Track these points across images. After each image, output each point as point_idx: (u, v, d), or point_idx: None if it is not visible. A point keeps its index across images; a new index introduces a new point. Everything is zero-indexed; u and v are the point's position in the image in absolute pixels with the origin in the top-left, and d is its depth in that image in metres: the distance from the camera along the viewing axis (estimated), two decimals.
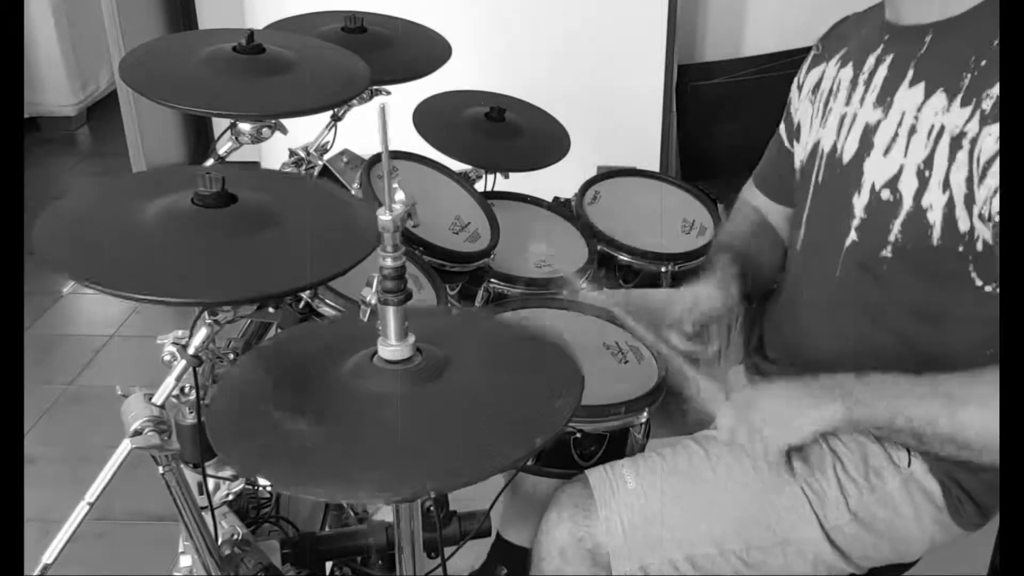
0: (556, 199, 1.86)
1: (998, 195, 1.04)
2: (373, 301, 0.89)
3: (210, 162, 1.44)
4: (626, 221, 1.79)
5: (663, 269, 1.69)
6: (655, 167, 3.25)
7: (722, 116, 3.48)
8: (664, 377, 1.35)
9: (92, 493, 1.10)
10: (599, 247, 1.73)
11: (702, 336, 1.36)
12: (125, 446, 1.05)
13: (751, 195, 1.54)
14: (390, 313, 0.89)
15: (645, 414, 1.31)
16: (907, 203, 1.15)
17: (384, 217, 0.86)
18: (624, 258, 1.72)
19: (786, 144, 1.44)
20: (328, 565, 1.41)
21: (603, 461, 1.27)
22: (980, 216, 1.08)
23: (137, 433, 0.99)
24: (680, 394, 1.46)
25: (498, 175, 1.82)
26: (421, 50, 1.68)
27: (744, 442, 1.17)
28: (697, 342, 1.35)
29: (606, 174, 1.94)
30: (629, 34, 3.21)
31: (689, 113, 3.51)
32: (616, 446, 1.31)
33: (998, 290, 1.11)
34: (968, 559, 1.44)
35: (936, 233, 1.13)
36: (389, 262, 0.87)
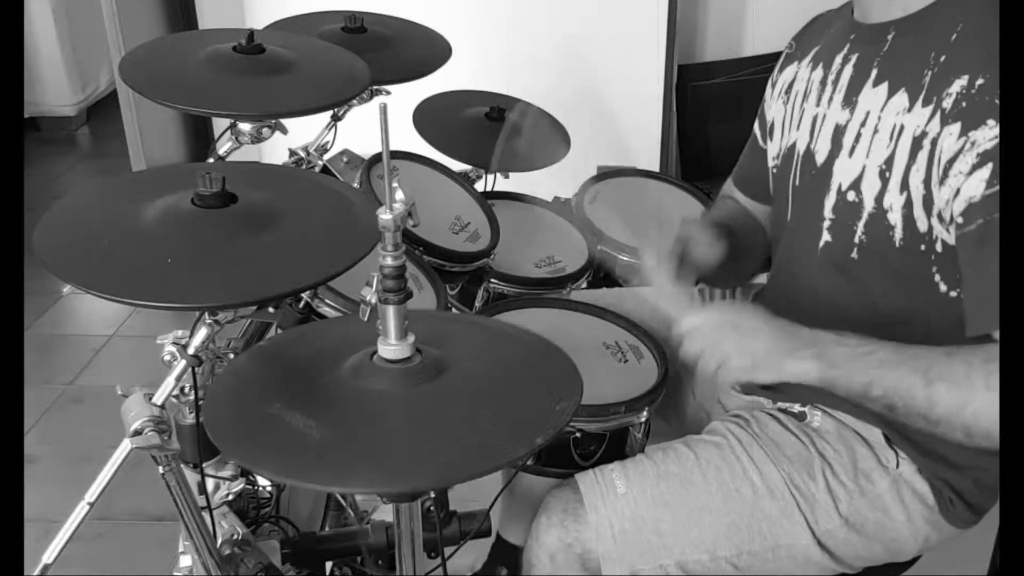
0: (556, 199, 1.86)
1: (959, 197, 1.03)
2: (373, 300, 0.89)
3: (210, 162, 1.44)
4: (626, 221, 1.79)
5: None
6: (655, 167, 3.26)
7: (722, 116, 3.48)
8: (664, 377, 1.35)
9: (92, 493, 1.10)
10: (599, 247, 1.73)
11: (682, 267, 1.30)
12: (125, 446, 1.05)
13: (732, 193, 1.54)
14: (390, 312, 0.89)
15: (645, 414, 1.31)
16: (869, 204, 1.15)
17: (384, 216, 0.86)
18: (624, 258, 1.72)
19: (760, 142, 1.44)
20: (328, 565, 1.41)
21: (603, 461, 1.27)
22: (940, 218, 1.08)
23: (137, 433, 0.99)
24: (680, 394, 1.47)
25: (498, 175, 1.82)
26: (421, 50, 1.68)
27: (695, 353, 1.12)
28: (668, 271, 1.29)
29: (606, 174, 1.94)
30: (629, 34, 3.21)
31: (689, 113, 3.51)
32: (616, 446, 1.31)
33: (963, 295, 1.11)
34: (968, 559, 1.44)
35: (898, 234, 1.12)
36: (389, 261, 0.88)
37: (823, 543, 1.21)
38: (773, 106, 1.39)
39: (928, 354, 1.04)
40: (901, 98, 1.12)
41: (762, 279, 1.52)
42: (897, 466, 1.21)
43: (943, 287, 1.13)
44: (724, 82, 3.52)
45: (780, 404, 1.29)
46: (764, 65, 3.37)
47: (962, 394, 0.99)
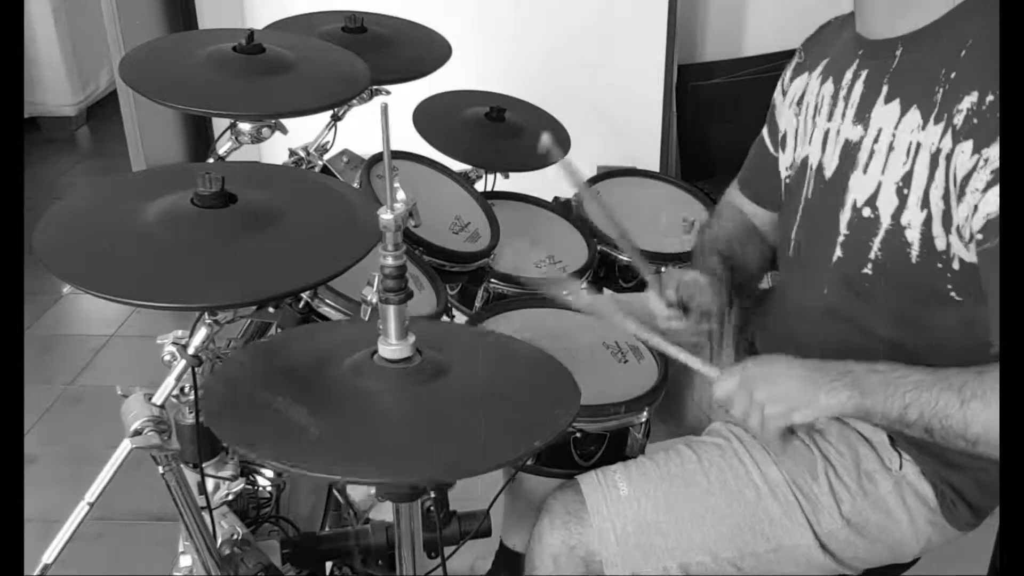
0: (556, 199, 1.86)
1: (977, 214, 1.03)
2: (374, 300, 0.89)
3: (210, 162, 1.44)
4: (626, 221, 1.79)
5: (662, 269, 1.69)
6: (655, 167, 3.25)
7: (722, 116, 3.48)
8: (664, 377, 1.35)
9: (92, 493, 1.10)
10: (599, 247, 1.73)
11: (687, 315, 1.30)
12: (125, 446, 1.05)
13: (735, 198, 1.53)
14: (391, 312, 0.89)
15: (645, 414, 1.31)
16: (885, 221, 1.14)
17: (385, 216, 0.86)
18: (624, 258, 1.72)
19: (770, 149, 1.43)
20: (328, 565, 1.41)
21: (603, 461, 1.28)
22: (959, 235, 1.07)
23: (137, 433, 0.99)
24: (679, 394, 1.47)
25: (498, 175, 1.82)
26: (421, 50, 1.68)
27: (740, 413, 1.13)
28: (681, 319, 1.30)
29: (606, 174, 1.94)
30: (629, 34, 3.21)
31: (689, 113, 3.51)
32: (616, 446, 1.31)
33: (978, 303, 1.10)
34: (968, 559, 1.44)
35: (915, 251, 1.12)
36: (390, 261, 0.88)
37: (825, 544, 1.21)
38: (785, 115, 1.38)
39: (960, 374, 1.03)
40: (914, 115, 1.12)
41: (763, 281, 1.52)
42: (900, 467, 1.21)
43: (958, 298, 1.12)
44: (724, 82, 3.51)
45: None
46: (764, 65, 3.37)
47: (996, 410, 0.98)
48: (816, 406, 1.08)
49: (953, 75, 1.08)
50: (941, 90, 1.09)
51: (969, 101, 1.05)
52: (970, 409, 1.00)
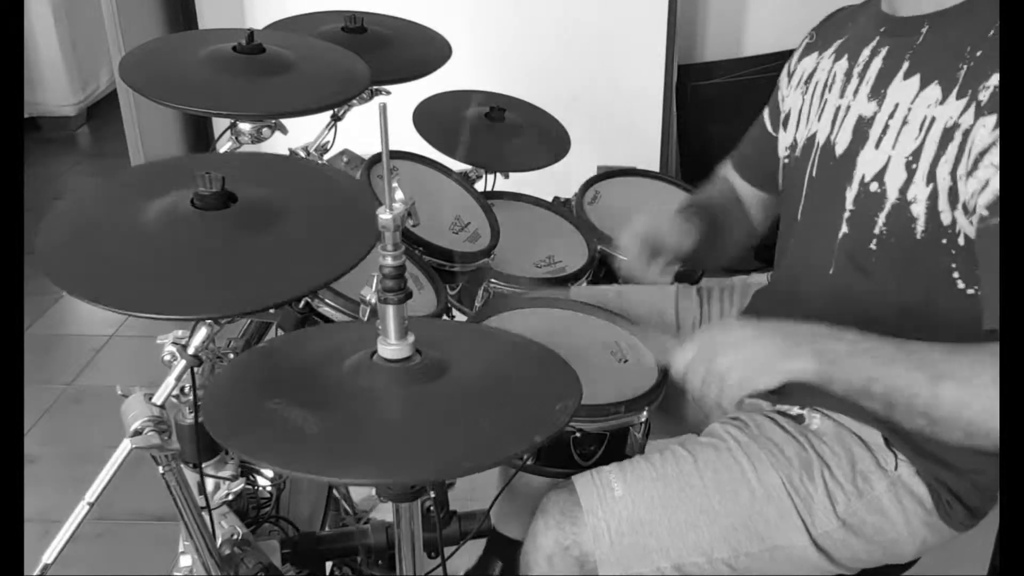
0: (556, 199, 1.86)
1: (987, 189, 1.02)
2: (373, 300, 0.89)
3: None
4: (626, 221, 1.79)
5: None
6: (655, 167, 3.25)
7: (722, 116, 3.47)
8: (664, 377, 1.35)
9: (92, 493, 1.10)
10: (599, 247, 1.73)
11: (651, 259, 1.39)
12: (125, 446, 1.05)
13: (728, 174, 1.54)
14: (390, 312, 0.89)
15: (645, 414, 1.31)
16: (892, 195, 1.14)
17: (384, 216, 0.86)
18: (624, 258, 1.72)
19: (769, 129, 1.44)
20: (328, 565, 1.41)
21: (603, 461, 1.27)
22: (964, 208, 1.07)
23: (137, 433, 0.99)
24: (679, 394, 1.47)
25: (498, 175, 1.82)
26: (421, 50, 1.68)
27: (698, 384, 1.11)
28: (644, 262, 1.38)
29: (606, 174, 1.94)
30: (629, 34, 3.21)
31: (689, 113, 3.51)
32: (616, 446, 1.31)
33: (979, 292, 1.10)
34: (968, 559, 1.44)
35: (920, 226, 1.12)
36: (389, 261, 0.88)
37: (820, 545, 1.21)
38: (790, 95, 1.38)
39: (931, 351, 1.02)
40: (934, 90, 1.11)
41: (762, 278, 1.52)
42: (895, 468, 1.21)
43: (961, 284, 1.12)
44: (724, 82, 3.51)
45: (778, 407, 1.29)
46: (764, 65, 3.37)
47: (968, 391, 0.98)
48: (779, 372, 1.06)
49: (979, 53, 1.08)
50: (965, 67, 1.09)
51: (997, 79, 1.04)
52: (940, 389, 0.99)
